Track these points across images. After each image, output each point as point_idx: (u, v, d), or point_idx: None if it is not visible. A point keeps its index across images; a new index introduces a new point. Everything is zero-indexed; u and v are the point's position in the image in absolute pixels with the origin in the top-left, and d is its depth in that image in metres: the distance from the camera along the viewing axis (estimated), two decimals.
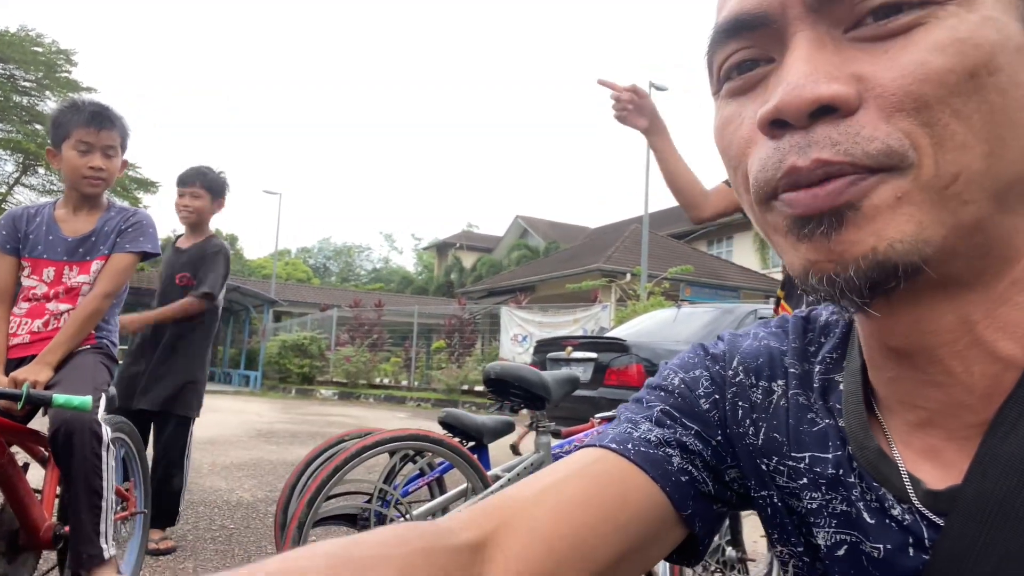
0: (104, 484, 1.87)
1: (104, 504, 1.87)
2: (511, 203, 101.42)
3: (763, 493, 0.57)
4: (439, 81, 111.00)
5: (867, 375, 0.53)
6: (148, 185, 23.46)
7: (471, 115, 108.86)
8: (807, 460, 0.53)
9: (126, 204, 2.33)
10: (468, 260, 36.85)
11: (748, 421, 0.58)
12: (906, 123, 0.39)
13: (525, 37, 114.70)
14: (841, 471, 0.51)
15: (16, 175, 23.19)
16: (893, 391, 0.49)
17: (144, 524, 2.57)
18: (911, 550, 0.46)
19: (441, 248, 42.92)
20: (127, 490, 2.43)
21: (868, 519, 0.49)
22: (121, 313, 2.60)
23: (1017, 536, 0.40)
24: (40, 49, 22.02)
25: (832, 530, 0.51)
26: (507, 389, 2.38)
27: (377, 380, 16.91)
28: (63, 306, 2.11)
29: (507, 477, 2.40)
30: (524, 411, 2.64)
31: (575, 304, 15.45)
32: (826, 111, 0.40)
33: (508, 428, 2.75)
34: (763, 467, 0.57)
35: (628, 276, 17.80)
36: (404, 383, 16.92)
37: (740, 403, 0.59)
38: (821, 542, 0.52)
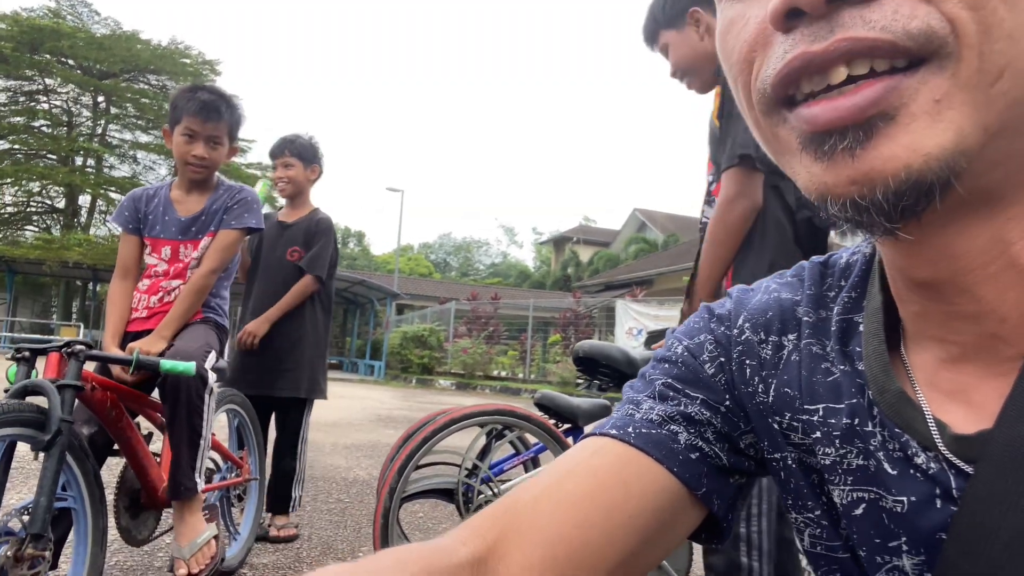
0: (204, 424, 1.99)
1: (202, 443, 1.99)
2: (629, 196, 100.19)
3: (777, 455, 0.52)
4: (558, 76, 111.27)
5: (888, 313, 0.47)
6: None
7: (591, 108, 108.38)
8: (820, 412, 0.48)
9: (235, 183, 2.43)
10: (585, 254, 36.73)
11: (757, 379, 0.53)
12: (949, 3, 0.34)
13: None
14: (857, 420, 0.46)
15: (169, 177, 25.32)
16: (921, 326, 0.44)
17: (260, 490, 2.72)
18: (938, 501, 0.41)
19: (558, 242, 43.03)
20: (241, 458, 2.57)
21: (889, 470, 0.44)
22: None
23: None
24: (188, 60, 23.98)
25: (848, 487, 0.46)
26: (595, 367, 2.34)
27: (494, 372, 17.19)
28: (175, 282, 2.24)
29: None
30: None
31: None
32: None
33: (603, 411, 2.70)
34: (775, 426, 0.52)
35: None
36: (520, 375, 17.12)
37: (747, 361, 0.54)
38: (838, 500, 0.47)
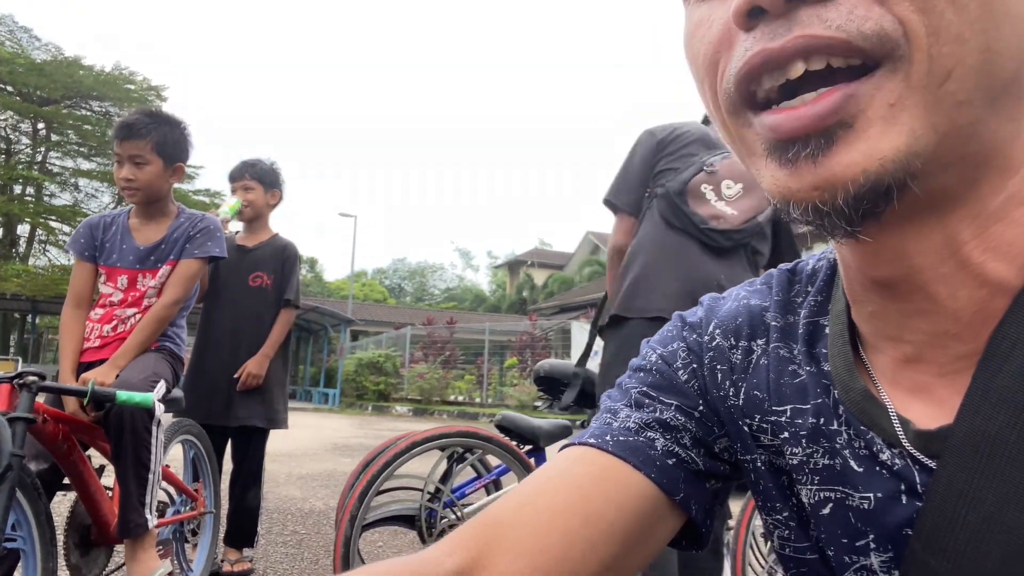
0: (152, 458, 1.93)
1: (151, 476, 1.93)
2: (583, 220, 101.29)
3: (748, 457, 0.54)
4: (513, 100, 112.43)
5: (852, 314, 0.49)
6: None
7: (546, 133, 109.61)
8: (788, 413, 0.50)
9: (195, 211, 2.39)
10: (539, 277, 36.90)
11: (728, 383, 0.55)
12: (901, 6, 0.36)
13: (593, 51, 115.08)
14: (822, 420, 0.48)
15: (112, 206, 24.65)
16: (877, 326, 0.46)
17: (214, 524, 2.65)
18: (903, 497, 0.43)
19: (513, 266, 43.14)
20: (196, 490, 2.50)
21: (855, 467, 0.45)
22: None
23: (1013, 476, 0.36)
24: (133, 86, 23.46)
25: (815, 487, 0.48)
26: (557, 386, 2.37)
27: (451, 397, 17.06)
28: (129, 310, 2.20)
29: None
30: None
31: None
32: None
33: (564, 432, 2.72)
34: (746, 428, 0.54)
35: None
36: (477, 400, 17.01)
37: (719, 366, 0.56)
38: (806, 500, 0.49)
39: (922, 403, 0.44)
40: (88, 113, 24.16)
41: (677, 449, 0.54)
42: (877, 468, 0.44)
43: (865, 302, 0.46)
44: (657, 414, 0.55)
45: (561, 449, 0.57)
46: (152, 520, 1.94)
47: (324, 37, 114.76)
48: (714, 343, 0.57)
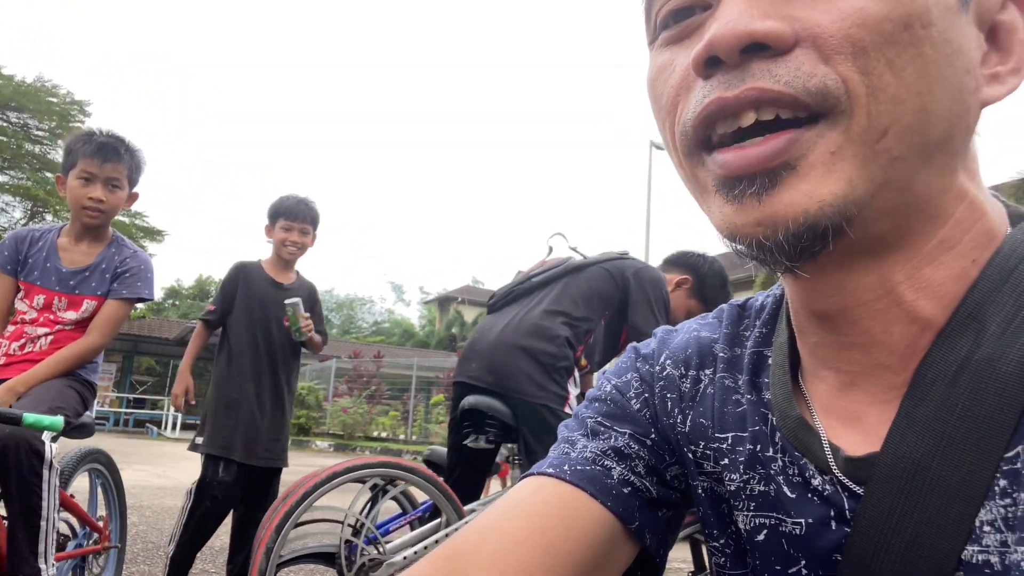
0: (44, 504, 1.81)
1: (43, 524, 1.81)
2: (514, 258, 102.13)
3: (693, 484, 0.56)
4: (454, 139, 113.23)
5: (794, 347, 0.52)
6: (155, 234, 23.63)
7: (485, 172, 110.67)
8: (729, 440, 0.53)
9: (129, 243, 2.31)
10: (469, 315, 36.85)
11: (676, 410, 0.57)
12: (844, 67, 0.39)
13: (536, 80, 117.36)
14: (759, 447, 0.50)
15: (24, 221, 23.44)
16: (817, 356, 0.49)
17: (118, 559, 2.50)
18: (833, 523, 0.44)
19: (443, 302, 42.99)
20: (101, 522, 2.37)
21: (788, 493, 0.47)
22: (184, 374, 2.70)
23: (934, 501, 0.38)
24: (55, 100, 22.52)
25: (751, 513, 0.50)
26: (482, 420, 2.39)
27: (374, 433, 16.71)
28: (41, 330, 2.10)
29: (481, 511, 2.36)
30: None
31: None
32: (760, 48, 0.40)
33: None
34: (690, 455, 0.56)
35: None
36: (402, 436, 16.72)
37: (669, 395, 0.58)
38: (742, 526, 0.51)
39: (852, 431, 0.46)
40: (4, 124, 23.06)
41: (632, 477, 0.55)
42: (808, 495, 0.46)
43: (809, 333, 0.49)
44: (612, 442, 0.57)
45: (520, 479, 0.58)
46: (46, 571, 1.82)
47: (260, 61, 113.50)
48: (664, 372, 0.59)
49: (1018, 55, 0.43)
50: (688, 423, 0.56)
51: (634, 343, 0.66)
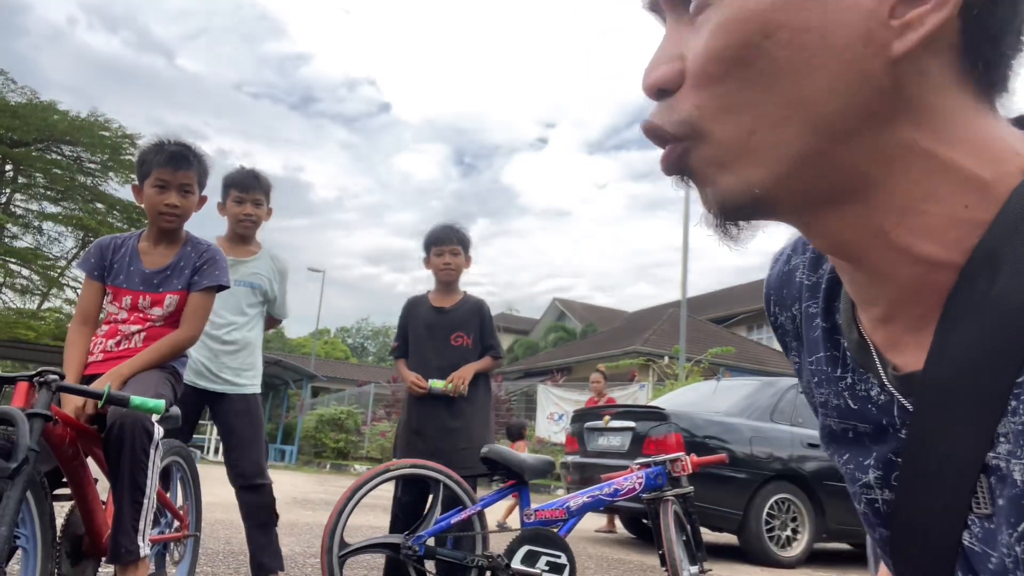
0: (148, 482, 1.93)
1: (146, 502, 1.93)
2: (549, 287, 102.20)
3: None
4: (480, 166, 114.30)
5: None
6: None
7: (519, 196, 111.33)
8: (813, 362, 0.61)
9: (201, 239, 2.48)
10: (506, 341, 36.89)
11: (796, 343, 0.65)
12: (701, 97, 0.47)
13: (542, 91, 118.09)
14: (830, 367, 0.58)
15: (76, 250, 24.26)
16: (852, 290, 0.55)
17: (195, 547, 2.64)
18: (891, 429, 0.52)
19: None
20: (182, 511, 2.51)
21: (853, 406, 0.56)
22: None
23: (965, 414, 0.46)
24: (107, 133, 23.40)
25: (835, 420, 0.59)
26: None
27: None
28: (133, 327, 2.26)
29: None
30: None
31: (612, 383, 15.28)
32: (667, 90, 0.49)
33: (549, 467, 2.83)
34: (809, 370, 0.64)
35: (666, 359, 17.67)
36: None
37: (788, 339, 0.67)
38: (833, 429, 0.60)
39: (896, 353, 0.53)
40: (59, 157, 23.98)
41: None
42: (869, 406, 0.55)
43: (840, 270, 0.56)
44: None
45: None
46: (144, 548, 1.93)
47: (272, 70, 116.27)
48: (779, 322, 0.68)
49: None
50: (802, 353, 0.64)
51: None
